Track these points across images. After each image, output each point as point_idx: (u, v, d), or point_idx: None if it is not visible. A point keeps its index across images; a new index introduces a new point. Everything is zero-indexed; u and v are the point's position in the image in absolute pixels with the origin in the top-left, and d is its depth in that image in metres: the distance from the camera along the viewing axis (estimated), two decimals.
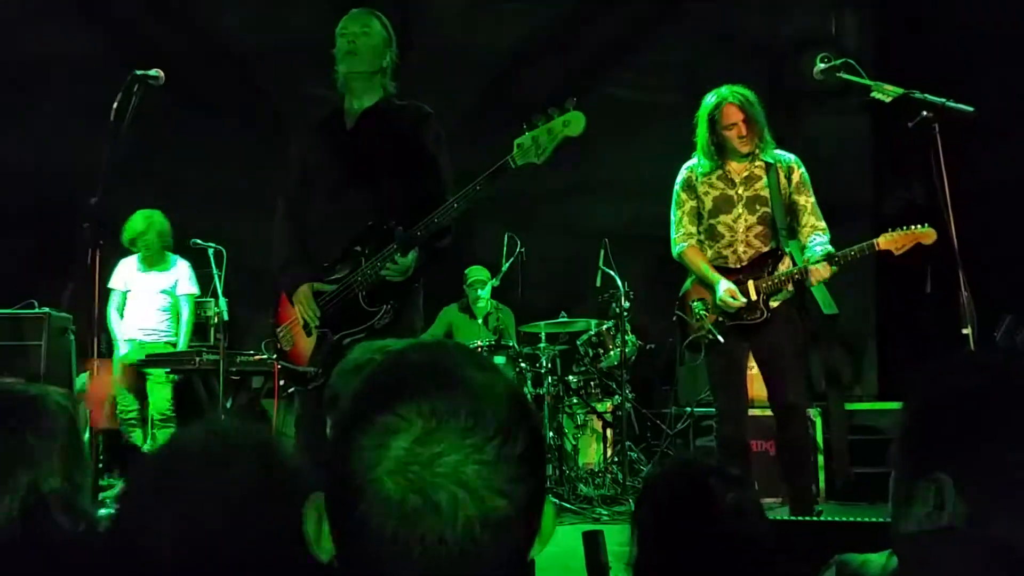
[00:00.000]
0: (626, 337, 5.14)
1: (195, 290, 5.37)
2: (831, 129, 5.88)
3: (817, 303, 5.32)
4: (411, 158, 3.01)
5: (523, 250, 5.76)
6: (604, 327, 5.30)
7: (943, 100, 2.97)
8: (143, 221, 5.20)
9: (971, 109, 2.98)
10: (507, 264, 5.82)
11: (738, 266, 3.74)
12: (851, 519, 2.47)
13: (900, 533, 1.04)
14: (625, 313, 5.11)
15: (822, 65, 3.43)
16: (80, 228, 2.95)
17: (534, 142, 2.83)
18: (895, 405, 5.20)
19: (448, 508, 0.78)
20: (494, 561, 0.80)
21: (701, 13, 6.46)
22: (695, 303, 3.76)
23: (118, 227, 5.10)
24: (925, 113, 2.98)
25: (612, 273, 5.20)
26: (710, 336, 3.64)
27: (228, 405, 4.72)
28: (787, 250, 3.75)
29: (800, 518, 3.19)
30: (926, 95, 2.97)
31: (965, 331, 2.86)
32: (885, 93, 3.04)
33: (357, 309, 2.97)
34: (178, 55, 5.71)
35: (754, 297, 3.66)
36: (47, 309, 4.73)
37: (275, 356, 3.16)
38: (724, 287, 3.65)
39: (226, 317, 4.78)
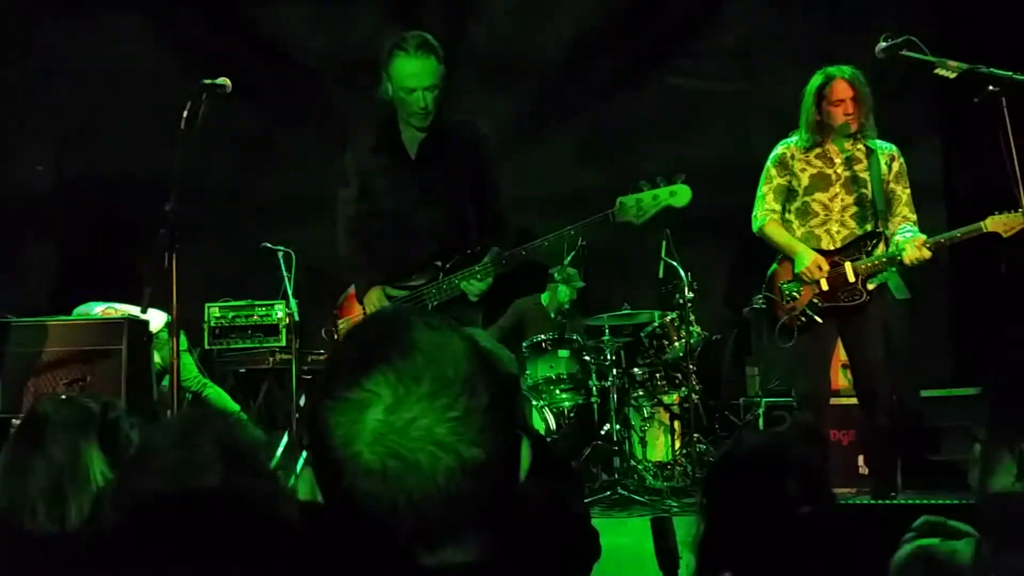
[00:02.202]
0: (691, 328, 5.10)
1: None
2: (897, 110, 5.75)
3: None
4: (474, 183, 3.15)
5: (584, 243, 5.78)
6: (668, 318, 5.27)
7: (1010, 73, 2.90)
8: None
9: None
10: (569, 257, 5.84)
11: (832, 247, 3.68)
12: (927, 502, 2.43)
13: (985, 500, 1.05)
14: (689, 304, 5.08)
15: (884, 44, 3.37)
16: (156, 234, 3.08)
17: (637, 204, 2.97)
18: (970, 391, 5.08)
19: (428, 465, 0.84)
20: (480, 502, 0.87)
21: None
22: (786, 284, 3.71)
23: (191, 232, 5.26)
24: (991, 87, 2.91)
25: (675, 264, 5.18)
26: (803, 318, 3.59)
27: (300, 403, 4.85)
28: (886, 232, 3.68)
29: (877, 501, 3.15)
30: (992, 69, 2.90)
31: None
32: (949, 69, 2.98)
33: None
34: (240, 63, 5.87)
35: (852, 278, 3.60)
36: (126, 314, 4.91)
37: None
38: (811, 257, 3.60)
39: (297, 318, 4.91)
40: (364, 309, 3.20)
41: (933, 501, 2.44)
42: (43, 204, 6.10)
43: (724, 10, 6.38)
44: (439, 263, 3.14)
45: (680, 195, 2.99)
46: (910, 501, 2.90)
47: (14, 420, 4.83)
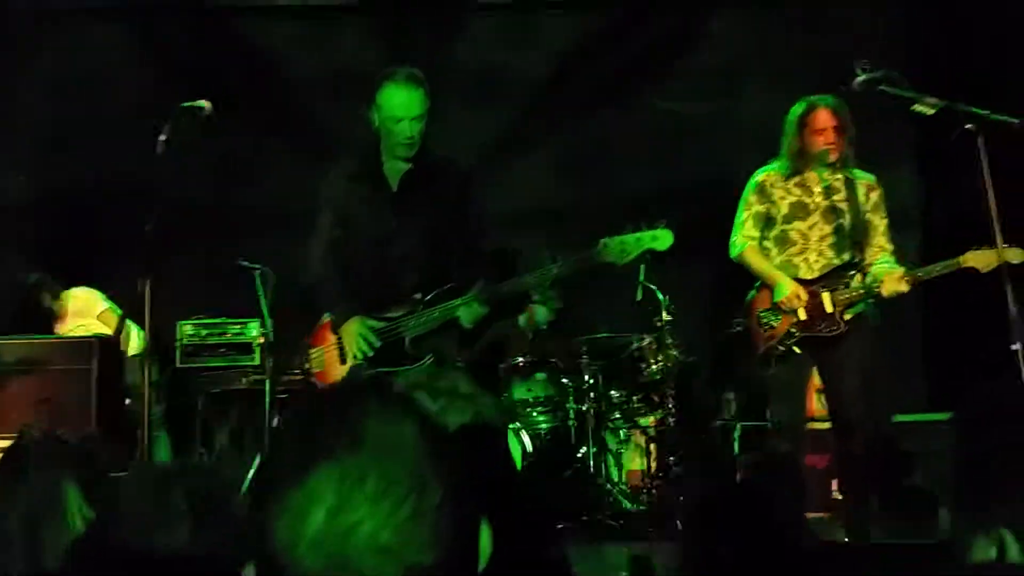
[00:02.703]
0: (668, 351, 5.11)
1: None
2: (876, 139, 5.82)
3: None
4: (455, 216, 3.19)
5: (560, 262, 5.77)
6: (645, 341, 5.27)
7: (987, 112, 2.93)
8: None
9: (1016, 120, 2.93)
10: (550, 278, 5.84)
11: (810, 276, 3.68)
12: (899, 542, 2.45)
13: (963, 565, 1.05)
14: (667, 326, 5.09)
15: (862, 76, 3.40)
16: (132, 257, 3.04)
17: (620, 245, 3.04)
18: (943, 416, 5.13)
19: (372, 573, 0.79)
20: None
21: (741, 19, 6.44)
22: (763, 313, 3.71)
23: (169, 249, 5.22)
24: (968, 126, 2.95)
25: (653, 287, 5.18)
26: (780, 348, 3.60)
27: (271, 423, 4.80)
28: (863, 263, 3.69)
29: (852, 540, 3.16)
30: (970, 107, 2.93)
31: (1014, 347, 2.81)
32: (927, 106, 3.02)
33: (398, 351, 3.11)
34: (222, 76, 5.83)
35: (830, 309, 3.60)
36: (97, 334, 4.85)
37: (302, 373, 3.34)
38: (790, 287, 3.61)
39: (272, 338, 4.86)
40: (339, 339, 3.22)
41: (907, 542, 2.46)
42: (20, 216, 6.01)
43: (706, 31, 6.44)
44: (418, 295, 3.16)
45: (662, 239, 3.06)
46: (885, 541, 2.91)
47: None
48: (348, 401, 0.88)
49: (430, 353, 3.14)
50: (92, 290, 5.37)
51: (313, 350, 3.33)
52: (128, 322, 4.78)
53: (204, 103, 3.23)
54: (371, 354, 3.15)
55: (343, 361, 3.19)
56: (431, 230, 3.19)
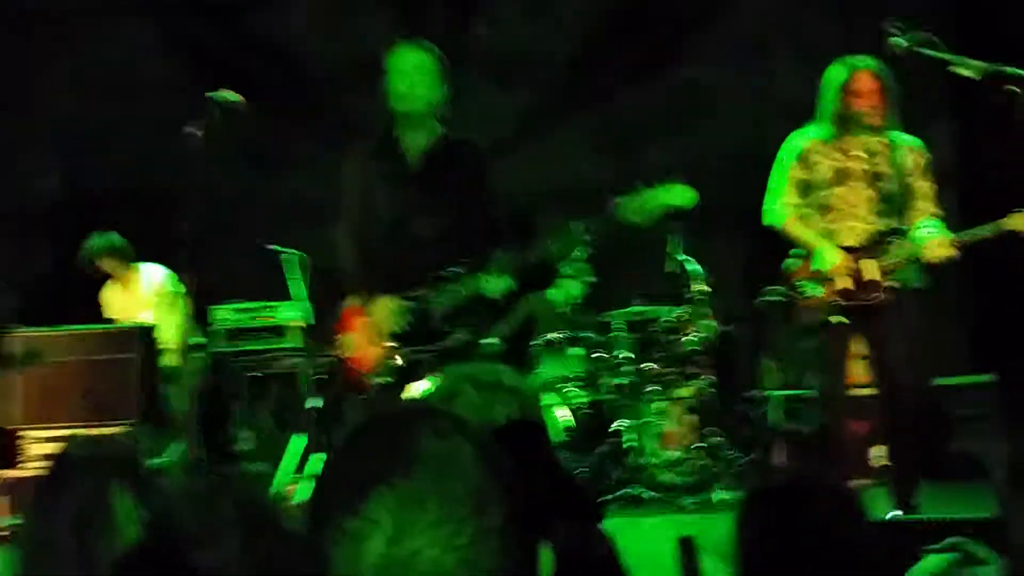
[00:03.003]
0: (705, 321, 5.07)
1: None
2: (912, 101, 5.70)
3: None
4: (476, 197, 3.23)
5: (593, 238, 5.74)
6: (681, 312, 5.23)
7: None
8: None
9: None
10: (579, 253, 5.81)
11: (854, 244, 3.58)
12: (953, 517, 2.43)
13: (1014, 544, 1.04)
14: (703, 297, 5.05)
15: (900, 40, 3.32)
16: (170, 251, 3.06)
17: (639, 203, 3.06)
18: (987, 378, 5.06)
19: None
20: None
21: None
22: (804, 282, 3.63)
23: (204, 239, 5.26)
24: (1010, 87, 2.86)
25: (684, 258, 5.14)
26: (824, 318, 3.53)
27: (311, 404, 4.86)
28: (906, 228, 3.60)
29: (904, 516, 3.14)
30: (1015, 69, 2.84)
31: None
32: (971, 69, 2.93)
33: (429, 328, 3.12)
34: (250, 69, 5.84)
35: (873, 276, 3.51)
36: (138, 323, 4.92)
37: (337, 359, 3.33)
38: (838, 255, 3.52)
39: (312, 321, 4.90)
40: (371, 318, 3.22)
41: (958, 516, 2.44)
42: (54, 215, 6.08)
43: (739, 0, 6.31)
44: (441, 272, 3.17)
45: (683, 196, 3.10)
46: (936, 517, 2.89)
47: (28, 433, 4.85)
48: (401, 424, 0.85)
49: (462, 329, 3.13)
50: (164, 269, 5.35)
51: (344, 336, 3.32)
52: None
53: (236, 96, 3.24)
54: (403, 332, 3.15)
55: (378, 342, 3.18)
56: (452, 208, 3.20)
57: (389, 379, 3.16)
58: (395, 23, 6.14)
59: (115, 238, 5.28)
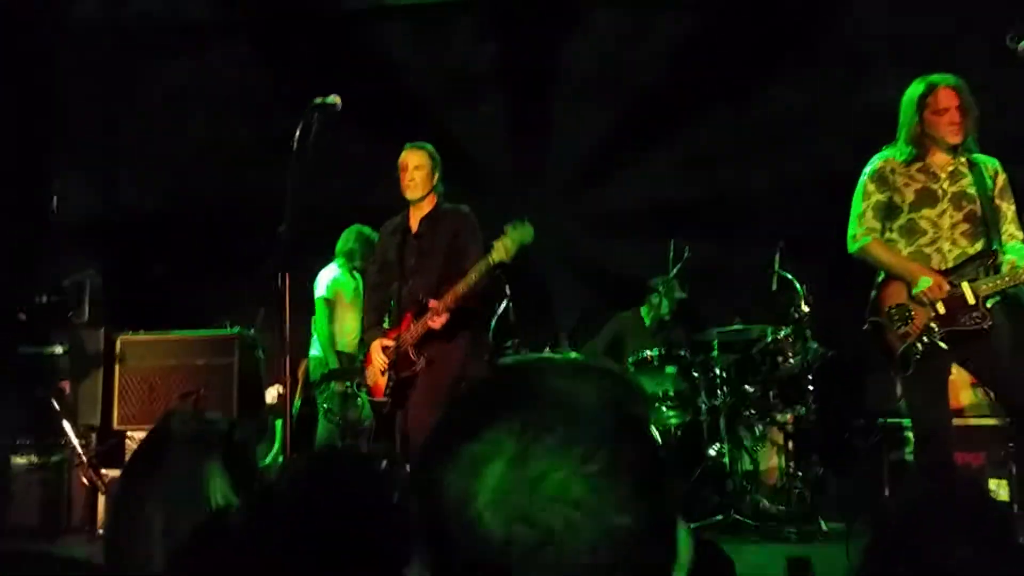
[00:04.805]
0: (807, 344, 4.88)
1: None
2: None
3: None
4: (455, 253, 4.04)
5: (690, 255, 5.64)
6: (782, 334, 5.04)
7: None
8: None
9: None
10: (675, 270, 5.71)
11: (943, 267, 3.41)
12: None
13: None
14: (805, 318, 4.86)
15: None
16: (269, 255, 3.10)
17: (503, 246, 3.77)
18: None
19: (564, 534, 0.67)
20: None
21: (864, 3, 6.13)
22: (895, 309, 3.41)
23: (306, 252, 5.37)
24: None
25: (789, 276, 4.96)
26: (920, 346, 3.31)
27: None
28: (997, 251, 3.40)
29: None
30: None
31: None
32: None
33: (407, 358, 4.02)
34: (345, 83, 5.96)
35: (972, 300, 3.31)
36: (238, 329, 5.04)
37: (364, 390, 4.25)
38: (932, 278, 3.33)
39: None
40: (370, 354, 4.12)
41: None
42: (155, 227, 6.31)
43: (833, 17, 6.14)
44: (410, 315, 4.02)
45: (524, 233, 3.76)
46: None
47: (131, 433, 5.03)
48: (523, 365, 0.79)
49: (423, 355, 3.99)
50: (329, 273, 5.47)
51: (366, 370, 4.17)
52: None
53: (335, 98, 3.28)
54: (385, 365, 4.04)
55: (383, 373, 4.06)
56: (436, 265, 4.05)
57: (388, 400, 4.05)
58: (490, 40, 6.19)
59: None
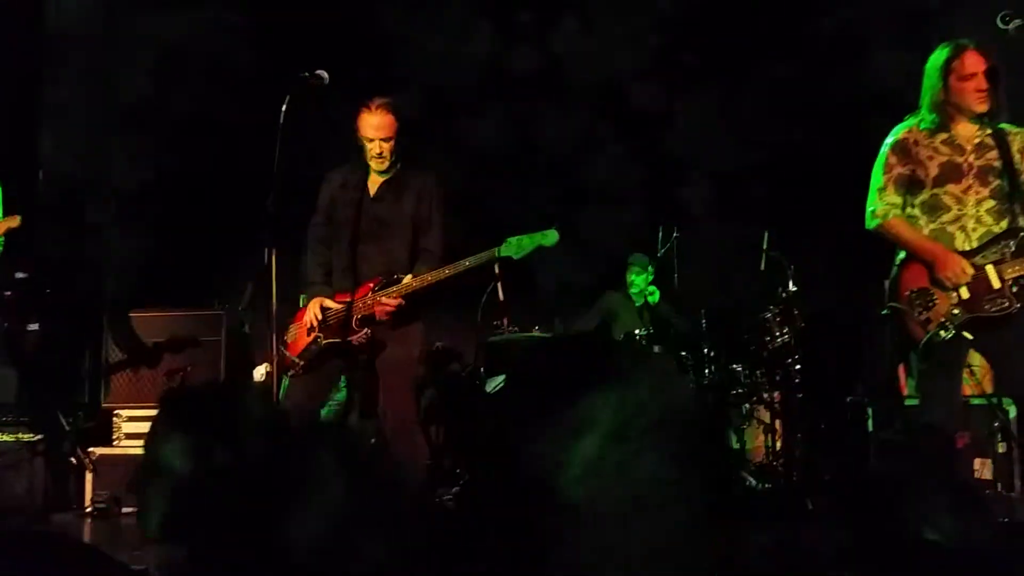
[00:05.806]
0: (794, 324, 4.88)
1: None
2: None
3: None
4: (415, 221, 3.70)
5: (678, 236, 5.64)
6: (769, 314, 5.05)
7: None
8: None
9: None
10: (663, 251, 5.72)
11: (968, 247, 3.18)
12: None
13: None
14: (793, 298, 4.86)
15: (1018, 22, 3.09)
16: (257, 231, 3.08)
17: (518, 243, 3.54)
18: None
19: (658, 514, 0.67)
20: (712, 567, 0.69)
21: None
22: (915, 293, 3.17)
23: (291, 228, 5.33)
24: None
25: (778, 256, 4.96)
26: (945, 333, 3.14)
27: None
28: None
29: None
30: None
31: None
32: None
33: (347, 327, 3.65)
34: (338, 58, 5.91)
35: (997, 284, 3.09)
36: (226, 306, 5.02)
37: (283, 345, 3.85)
38: (954, 260, 3.11)
39: None
40: (305, 314, 3.73)
41: None
42: (142, 199, 6.25)
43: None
44: (372, 285, 3.64)
45: (550, 237, 3.52)
46: None
47: (118, 411, 5.01)
48: (618, 342, 0.79)
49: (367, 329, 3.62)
50: None
51: (292, 325, 3.79)
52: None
53: (321, 72, 3.25)
54: (315, 326, 3.68)
55: (308, 333, 3.71)
56: (396, 232, 3.70)
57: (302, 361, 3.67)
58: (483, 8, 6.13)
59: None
